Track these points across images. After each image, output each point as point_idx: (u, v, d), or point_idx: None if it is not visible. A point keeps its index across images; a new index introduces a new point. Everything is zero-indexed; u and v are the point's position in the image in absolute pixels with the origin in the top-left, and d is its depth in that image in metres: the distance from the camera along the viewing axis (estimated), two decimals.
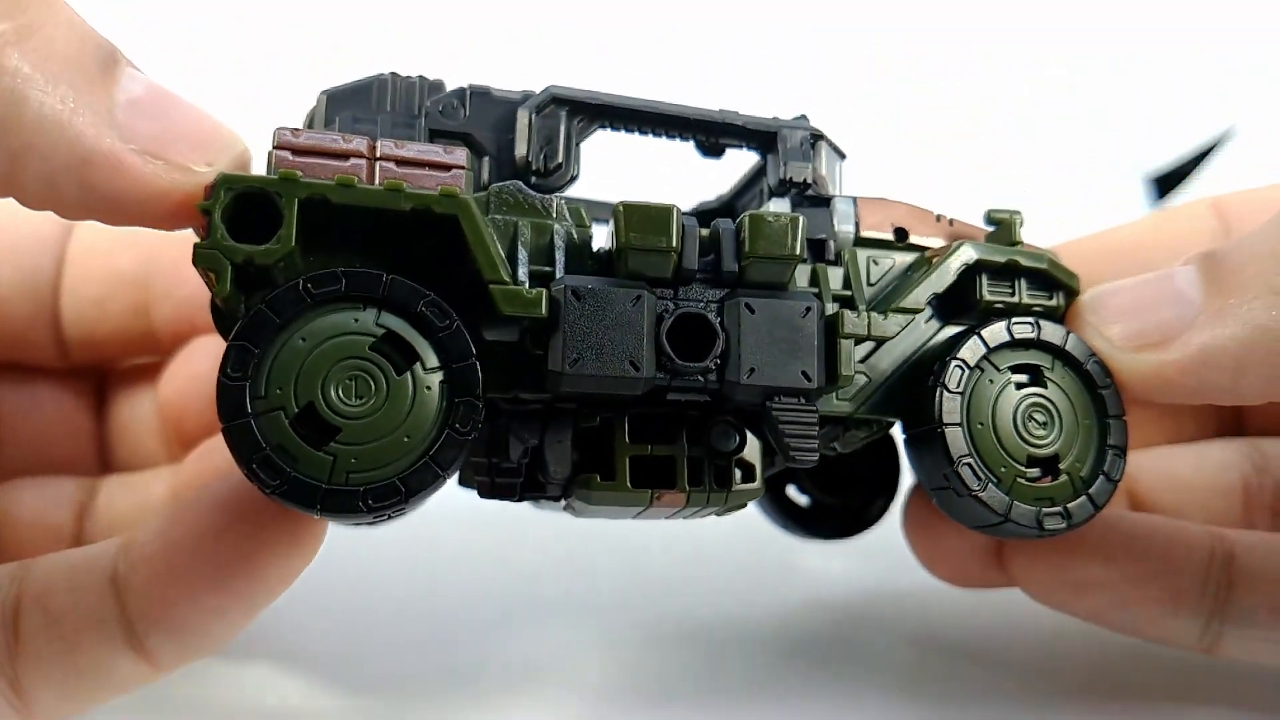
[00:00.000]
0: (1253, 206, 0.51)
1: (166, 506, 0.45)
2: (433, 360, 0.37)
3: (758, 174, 0.51)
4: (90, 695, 0.42)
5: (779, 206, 0.45)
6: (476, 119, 0.44)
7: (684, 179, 0.55)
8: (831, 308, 0.43)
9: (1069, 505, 0.42)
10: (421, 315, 0.37)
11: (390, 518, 0.53)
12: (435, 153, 0.39)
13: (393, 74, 0.45)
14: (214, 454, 0.50)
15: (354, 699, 0.55)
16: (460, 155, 0.40)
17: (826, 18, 0.81)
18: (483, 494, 0.43)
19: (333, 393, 0.36)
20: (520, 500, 0.43)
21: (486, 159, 0.44)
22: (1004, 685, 0.56)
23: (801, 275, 0.44)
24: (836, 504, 0.61)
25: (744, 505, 0.44)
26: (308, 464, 0.35)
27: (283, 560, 0.42)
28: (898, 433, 0.47)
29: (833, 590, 0.64)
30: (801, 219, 0.41)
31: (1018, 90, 0.80)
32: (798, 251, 0.40)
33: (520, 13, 0.81)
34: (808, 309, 0.41)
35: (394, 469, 0.36)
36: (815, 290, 0.43)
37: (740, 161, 0.51)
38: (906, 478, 0.62)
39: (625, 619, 0.61)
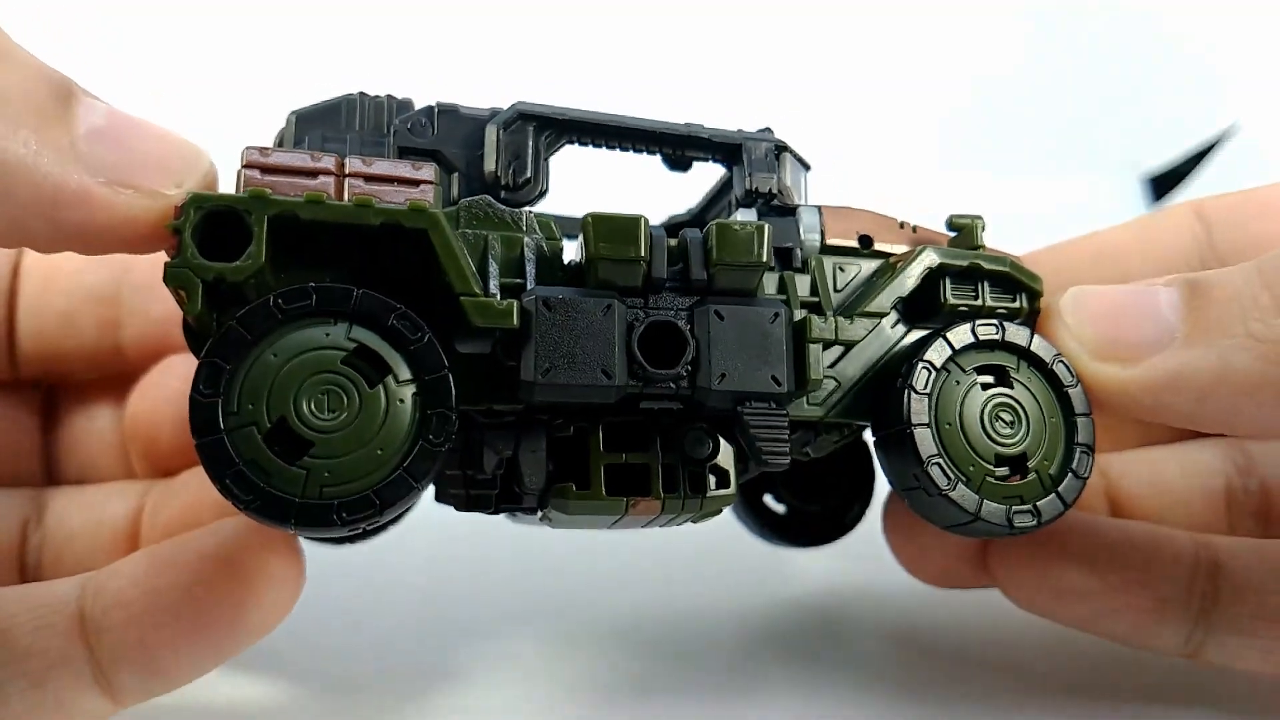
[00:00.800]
0: (1235, 211, 0.52)
1: (148, 553, 0.44)
2: (405, 373, 0.38)
3: (725, 187, 0.52)
4: None
5: (746, 217, 0.46)
6: (445, 136, 0.44)
7: (653, 193, 0.55)
8: (800, 314, 0.43)
9: (1038, 503, 0.42)
10: (393, 328, 0.38)
11: (365, 532, 0.53)
12: (403, 168, 0.40)
13: (361, 94, 0.45)
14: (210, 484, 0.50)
15: (328, 700, 0.55)
16: (428, 171, 0.40)
17: (812, 18, 0.81)
18: (459, 507, 0.43)
19: (305, 407, 0.36)
20: (496, 512, 0.43)
21: (456, 175, 0.44)
22: (983, 682, 0.56)
23: (770, 283, 0.44)
24: (813, 511, 0.62)
25: (719, 512, 0.45)
26: (281, 479, 0.35)
27: (265, 611, 0.43)
28: (869, 437, 0.48)
29: (811, 590, 0.65)
30: (767, 226, 0.41)
31: (1017, 90, 0.81)
32: (764, 258, 0.41)
33: (486, 32, 0.82)
34: (776, 315, 0.41)
35: (368, 482, 0.36)
36: (783, 297, 0.44)
37: (708, 175, 0.52)
38: (881, 483, 0.63)
39: (605, 620, 0.61)
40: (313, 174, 0.38)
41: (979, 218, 0.47)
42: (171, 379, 0.54)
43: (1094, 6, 0.83)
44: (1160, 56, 0.80)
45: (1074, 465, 0.43)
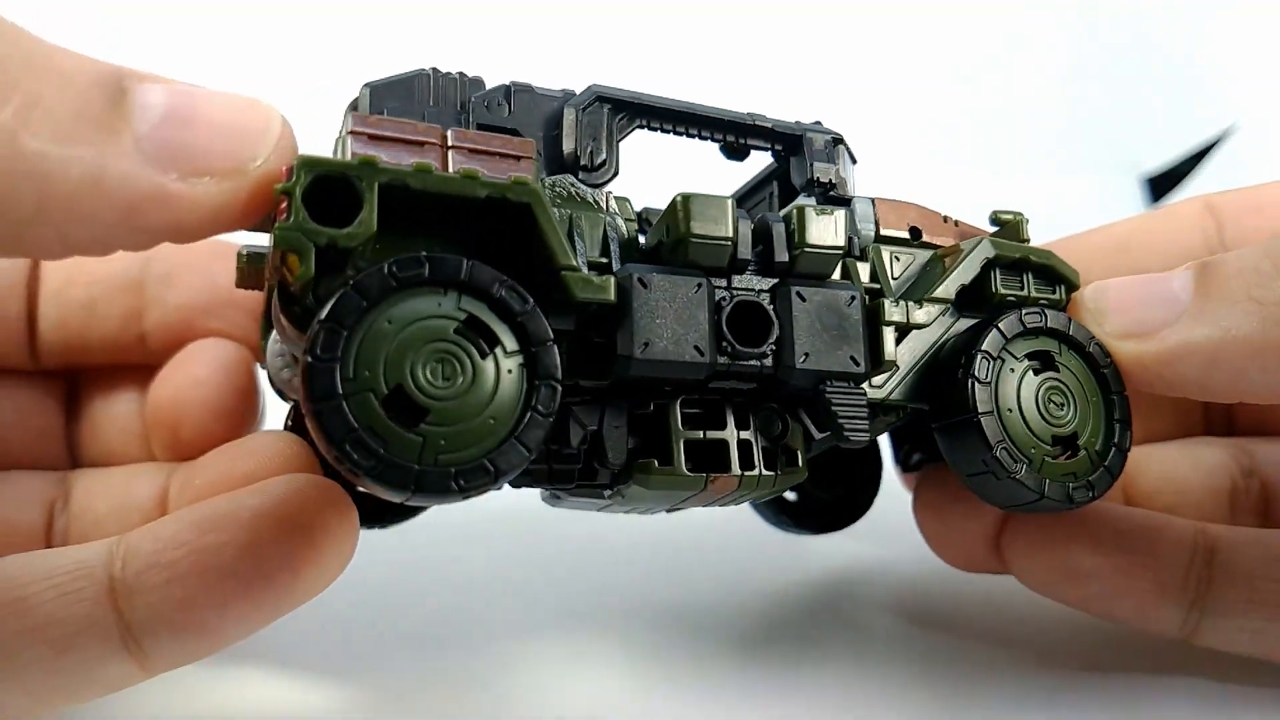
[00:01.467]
0: (1245, 206, 0.55)
1: (187, 514, 0.43)
2: (512, 344, 0.38)
3: (767, 178, 0.54)
4: (69, 698, 0.41)
5: (804, 202, 0.48)
6: (521, 115, 0.45)
7: (655, 178, 0.56)
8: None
9: (1090, 478, 0.45)
10: (500, 299, 0.38)
11: (403, 515, 0.53)
12: (505, 142, 0.40)
13: (434, 69, 0.45)
14: (238, 460, 0.49)
15: (349, 697, 0.54)
16: (528, 146, 0.40)
17: (820, 22, 0.83)
18: (539, 482, 0.43)
19: (421, 375, 0.36)
20: (577, 489, 0.44)
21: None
22: (986, 659, 0.58)
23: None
24: (824, 499, 0.63)
25: (784, 490, 0.46)
26: (398, 445, 0.35)
27: (322, 568, 0.42)
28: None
29: (824, 574, 0.67)
30: (846, 213, 0.43)
31: (1016, 90, 0.84)
32: (843, 243, 0.43)
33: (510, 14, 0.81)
34: (852, 298, 0.43)
35: (481, 449, 0.36)
36: (848, 282, 0.45)
37: (714, 164, 0.52)
38: (888, 473, 0.65)
39: (626, 605, 0.62)
40: (419, 144, 0.38)
41: (1020, 213, 0.50)
42: (195, 365, 0.53)
43: (1094, 8, 0.86)
44: (1160, 57, 0.84)
45: (1116, 439, 0.46)
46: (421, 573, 0.63)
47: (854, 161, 0.51)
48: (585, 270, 0.41)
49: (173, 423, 0.53)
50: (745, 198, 0.56)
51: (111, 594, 0.41)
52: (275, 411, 0.56)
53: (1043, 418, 0.45)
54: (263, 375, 0.56)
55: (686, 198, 0.41)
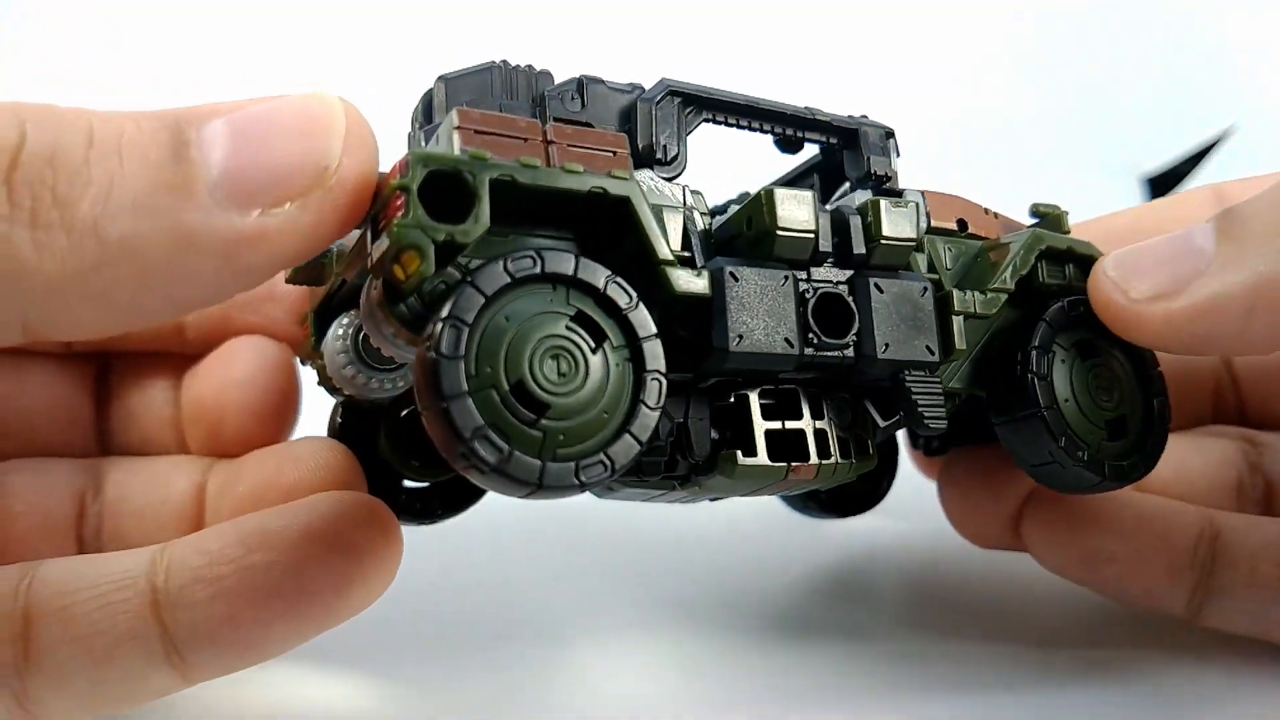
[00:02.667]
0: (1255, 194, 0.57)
1: (232, 529, 0.43)
2: (618, 338, 0.38)
3: (809, 170, 0.55)
4: (111, 707, 0.42)
5: (861, 198, 0.49)
6: (594, 109, 0.45)
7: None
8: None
9: (1139, 455, 0.47)
10: (607, 295, 0.38)
11: (447, 511, 0.53)
12: (601, 138, 0.40)
13: (504, 61, 0.45)
14: (283, 469, 0.49)
15: (387, 693, 0.54)
16: (622, 141, 0.41)
17: (818, 22, 0.83)
18: (628, 474, 0.43)
19: (539, 370, 0.36)
20: (663, 480, 0.44)
21: None
22: (1002, 636, 0.60)
23: None
24: (844, 484, 0.65)
25: (857, 476, 0.47)
26: (521, 441, 0.35)
27: (368, 588, 0.43)
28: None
29: (846, 556, 0.68)
30: (920, 205, 0.44)
31: (1016, 90, 0.86)
32: (916, 235, 0.44)
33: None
34: (925, 288, 0.44)
35: (597, 443, 0.37)
36: (919, 273, 0.47)
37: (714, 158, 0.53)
38: (903, 460, 0.67)
39: (655, 598, 0.63)
40: (522, 140, 0.38)
41: (1059, 206, 0.52)
42: (237, 365, 0.53)
43: (1094, 8, 0.88)
44: (1160, 57, 0.86)
45: (1157, 414, 0.49)
46: (453, 568, 0.63)
47: (899, 155, 0.53)
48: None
49: (214, 422, 0.52)
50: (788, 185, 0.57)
51: (155, 606, 0.41)
52: (310, 405, 0.55)
53: (1094, 403, 0.48)
54: (302, 372, 0.55)
55: (771, 193, 0.42)
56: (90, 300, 0.32)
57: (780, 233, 0.42)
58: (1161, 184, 0.82)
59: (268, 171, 0.34)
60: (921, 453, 0.65)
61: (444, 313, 0.35)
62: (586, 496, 0.58)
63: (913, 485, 0.66)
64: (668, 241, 0.41)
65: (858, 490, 0.65)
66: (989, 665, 0.58)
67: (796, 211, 0.42)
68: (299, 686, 0.53)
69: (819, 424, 0.44)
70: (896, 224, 0.44)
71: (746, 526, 0.68)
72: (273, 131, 0.35)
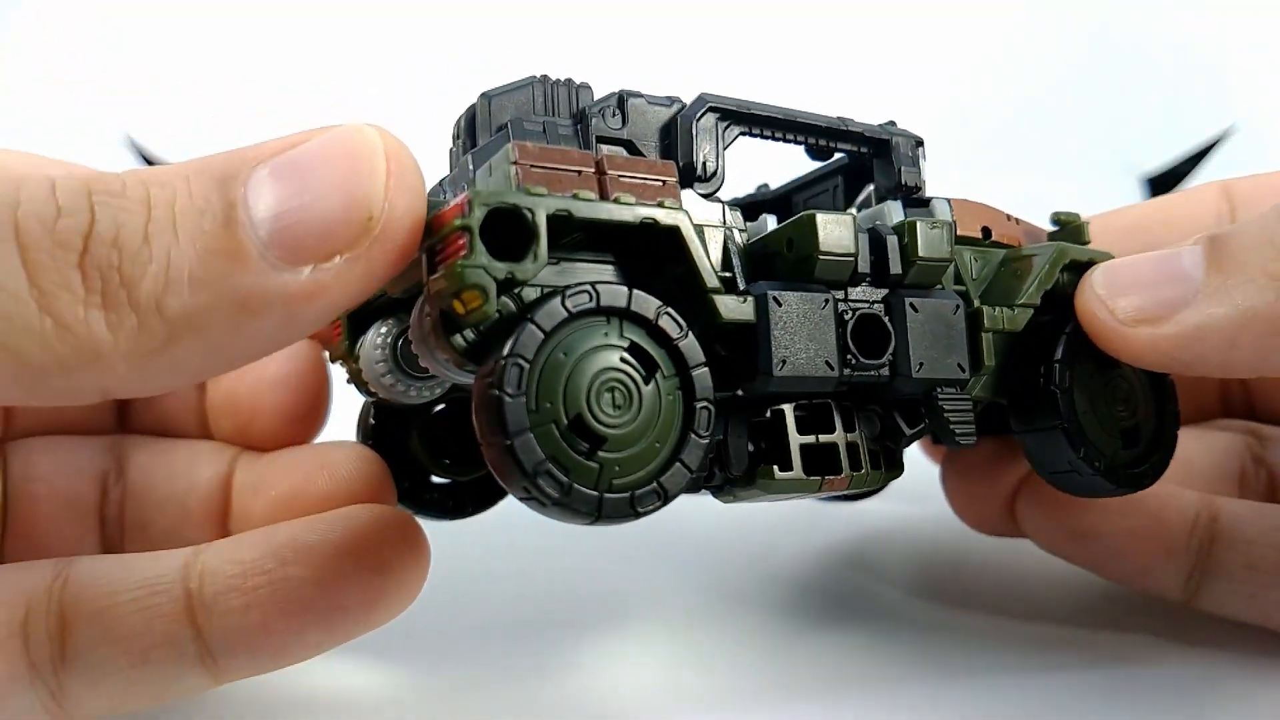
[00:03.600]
0: (1261, 191, 0.57)
1: (264, 539, 0.45)
2: (669, 369, 0.39)
3: (832, 172, 0.55)
4: (145, 703, 0.44)
5: (893, 209, 0.49)
6: (635, 125, 0.45)
7: None
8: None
9: (1150, 464, 0.49)
10: (658, 326, 0.39)
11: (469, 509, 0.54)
12: (651, 167, 0.40)
13: (543, 76, 0.45)
14: (315, 476, 0.50)
15: (407, 685, 0.55)
16: (671, 169, 0.41)
17: (816, 22, 0.83)
18: None
19: (595, 404, 0.37)
20: (696, 492, 0.45)
21: None
22: (1008, 622, 0.62)
23: None
24: None
25: (883, 488, 0.48)
26: (579, 474, 0.36)
27: (396, 603, 0.45)
28: None
29: (853, 538, 0.70)
30: (953, 225, 0.45)
31: (1016, 90, 0.85)
32: (950, 255, 0.45)
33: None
34: (957, 306, 0.45)
35: (649, 473, 0.38)
36: (951, 291, 0.48)
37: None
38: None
39: (665, 588, 0.64)
40: (576, 173, 0.39)
41: (1078, 215, 0.53)
42: (271, 363, 0.53)
43: (1094, 7, 0.88)
44: (1161, 57, 0.86)
45: (1167, 423, 0.51)
46: (471, 561, 0.64)
47: (925, 160, 0.53)
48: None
49: (245, 419, 0.53)
50: (805, 187, 0.58)
51: (189, 610, 0.43)
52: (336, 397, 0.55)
53: (1111, 414, 0.49)
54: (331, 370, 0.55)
55: (813, 217, 0.42)
56: (164, 369, 0.33)
57: (822, 257, 0.42)
58: (1162, 184, 0.83)
59: (313, 227, 0.34)
60: (934, 440, 0.66)
61: (505, 350, 0.36)
62: None
63: (919, 474, 0.67)
64: (711, 262, 0.42)
65: None
66: (995, 650, 0.59)
67: (839, 236, 0.43)
68: (322, 677, 0.54)
69: (850, 437, 0.46)
70: (932, 245, 0.45)
71: (757, 515, 0.69)
72: (314, 182, 0.34)
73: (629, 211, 0.39)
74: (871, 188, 0.53)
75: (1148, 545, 0.55)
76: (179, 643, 0.42)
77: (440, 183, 0.44)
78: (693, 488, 0.45)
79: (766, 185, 0.61)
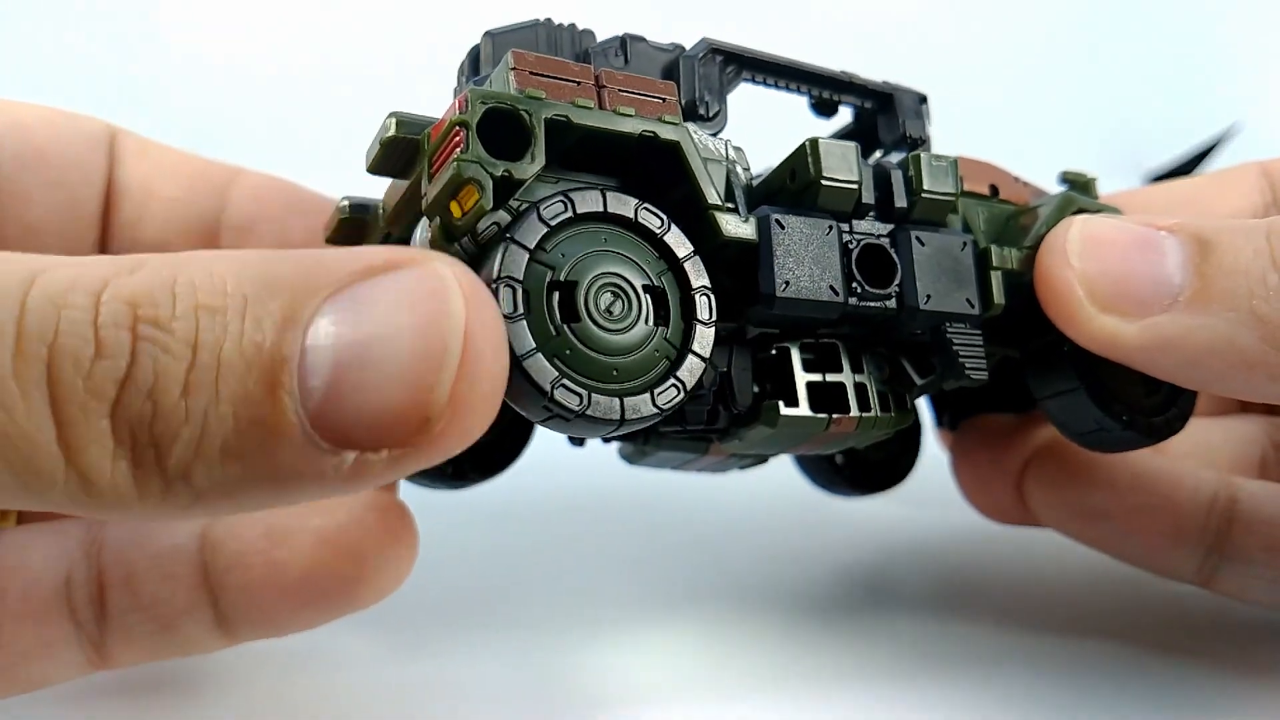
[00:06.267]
0: None
1: (261, 517, 0.46)
2: (658, 264, 0.39)
3: (848, 134, 0.55)
4: (170, 656, 0.46)
5: (897, 159, 0.49)
6: (638, 66, 0.45)
7: None
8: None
9: (1176, 409, 0.48)
10: (640, 224, 0.39)
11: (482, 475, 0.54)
12: (651, 85, 0.41)
13: (547, 19, 0.45)
14: None
15: (412, 673, 0.54)
16: (671, 88, 0.41)
17: (814, 23, 0.85)
18: (671, 422, 0.44)
19: (594, 305, 0.37)
20: (704, 432, 0.44)
21: None
22: (1021, 620, 0.60)
23: None
24: (872, 460, 0.65)
25: (893, 433, 0.47)
26: (596, 382, 0.36)
27: (378, 590, 0.46)
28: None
29: (874, 531, 0.68)
30: (957, 162, 0.45)
31: (1017, 89, 0.87)
32: (955, 190, 0.45)
33: None
34: (965, 243, 0.45)
35: (663, 369, 0.38)
36: (959, 229, 0.47)
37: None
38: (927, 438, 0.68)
39: (681, 583, 0.63)
40: (575, 83, 0.39)
41: (1085, 173, 0.53)
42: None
43: (1096, 7, 0.89)
44: (1162, 56, 0.87)
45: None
46: (477, 548, 0.63)
47: (930, 120, 0.53)
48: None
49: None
50: None
51: (205, 580, 0.44)
52: None
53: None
54: None
55: (815, 143, 0.42)
56: (186, 520, 0.33)
57: (824, 183, 0.42)
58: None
59: (364, 415, 0.29)
60: (946, 429, 0.65)
61: (494, 272, 0.35)
62: (611, 474, 0.58)
63: (933, 474, 0.66)
64: (715, 186, 0.42)
65: (882, 467, 0.66)
66: (1007, 648, 0.57)
67: (840, 162, 0.42)
68: (325, 657, 0.53)
69: (859, 378, 0.45)
70: (937, 179, 0.44)
71: (766, 510, 0.68)
72: (376, 352, 0.29)
73: (629, 123, 0.39)
74: (880, 152, 0.53)
75: (1158, 524, 0.53)
76: (198, 610, 0.44)
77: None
78: (696, 421, 0.44)
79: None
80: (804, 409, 0.43)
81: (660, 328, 0.38)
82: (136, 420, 0.28)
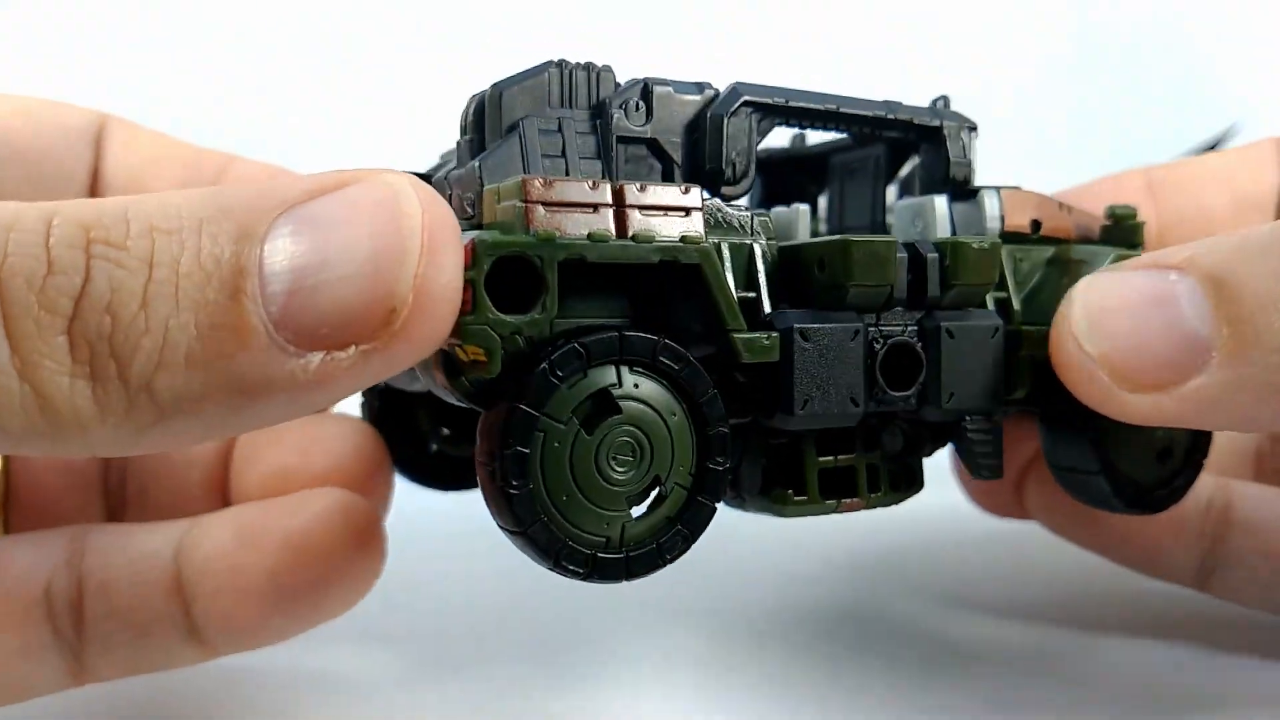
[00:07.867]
0: None
1: (233, 519, 0.46)
2: (676, 402, 0.37)
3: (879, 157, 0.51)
4: (147, 669, 0.46)
5: (938, 204, 0.46)
6: (661, 119, 0.41)
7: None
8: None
9: (1176, 484, 0.48)
10: (661, 364, 0.36)
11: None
12: (675, 196, 0.37)
13: (561, 61, 0.40)
14: (311, 452, 0.49)
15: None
16: (695, 195, 0.37)
17: (814, 21, 0.77)
18: None
19: (608, 467, 0.35)
20: None
21: (675, 168, 0.41)
22: (1025, 620, 0.61)
23: None
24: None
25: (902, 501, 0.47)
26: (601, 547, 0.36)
27: (343, 598, 0.46)
28: None
29: (872, 542, 0.70)
30: (1002, 247, 0.42)
31: (1017, 89, 0.81)
32: (996, 278, 0.42)
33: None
34: (995, 329, 0.42)
35: (670, 516, 0.37)
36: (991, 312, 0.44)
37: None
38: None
39: (681, 602, 0.63)
40: (593, 207, 0.35)
41: (1134, 211, 0.49)
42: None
43: (1095, 7, 0.83)
44: (1162, 57, 0.82)
45: (1201, 445, 0.49)
46: (471, 569, 0.64)
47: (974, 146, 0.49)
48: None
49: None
50: (845, 150, 0.53)
51: (178, 586, 0.44)
52: None
53: (1146, 435, 0.47)
54: None
55: (848, 245, 0.39)
56: (154, 441, 0.30)
57: (854, 287, 0.39)
58: None
59: (328, 311, 0.29)
60: None
61: (501, 443, 0.34)
62: None
63: (932, 474, 0.65)
64: (733, 293, 0.39)
65: None
66: (1007, 648, 0.58)
67: (876, 266, 0.39)
68: (333, 679, 0.54)
69: (870, 458, 0.44)
70: (976, 269, 0.41)
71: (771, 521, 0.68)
72: (335, 253, 0.30)
73: (648, 250, 0.36)
74: (916, 162, 0.49)
75: (1156, 529, 0.54)
76: (172, 621, 0.44)
77: (445, 177, 0.40)
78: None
79: (803, 138, 0.56)
80: (814, 496, 0.43)
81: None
82: (95, 334, 0.28)
